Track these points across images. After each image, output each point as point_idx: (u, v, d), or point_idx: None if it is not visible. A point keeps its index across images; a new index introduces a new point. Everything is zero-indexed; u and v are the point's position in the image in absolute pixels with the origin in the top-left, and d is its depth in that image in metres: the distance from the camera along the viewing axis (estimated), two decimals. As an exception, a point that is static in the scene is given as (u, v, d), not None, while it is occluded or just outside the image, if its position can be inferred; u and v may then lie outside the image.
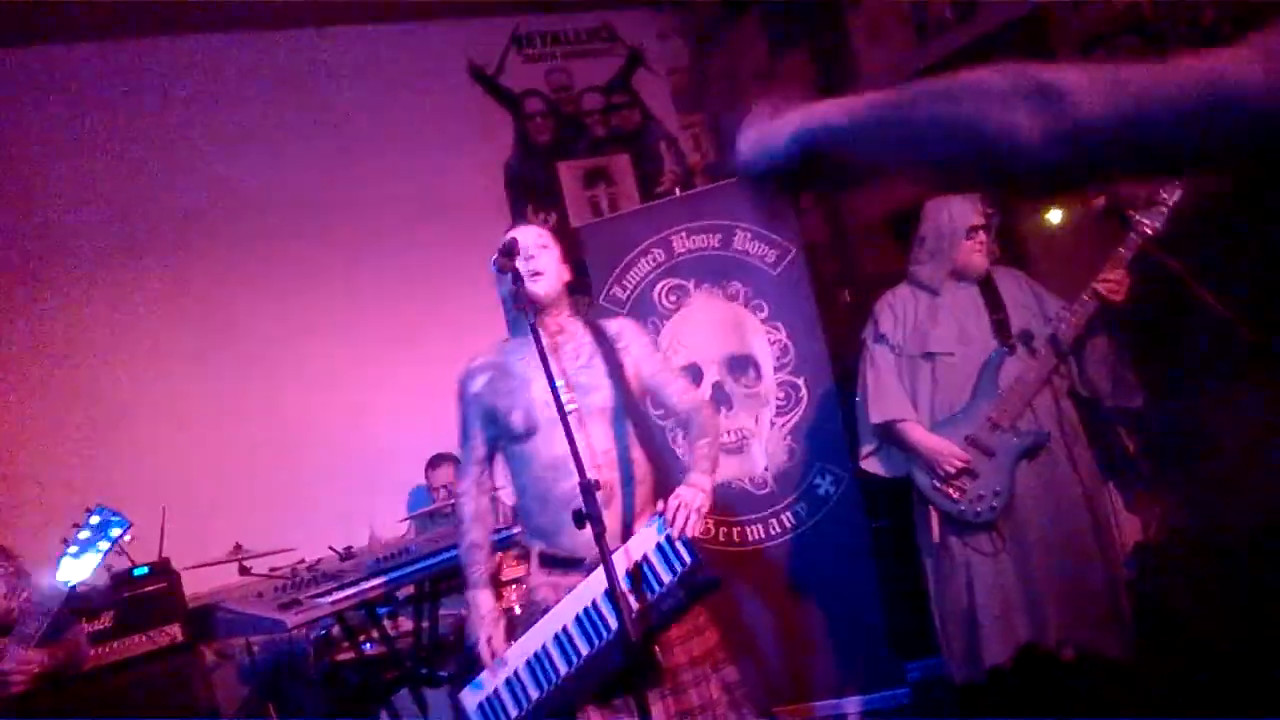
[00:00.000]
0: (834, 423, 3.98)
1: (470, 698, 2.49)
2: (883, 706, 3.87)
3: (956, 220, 3.11)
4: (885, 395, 3.18)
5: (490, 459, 2.66)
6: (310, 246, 5.07)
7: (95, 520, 2.20)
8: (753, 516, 4.03)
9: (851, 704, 3.90)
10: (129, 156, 4.78)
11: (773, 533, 4.01)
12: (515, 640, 2.49)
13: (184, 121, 4.93)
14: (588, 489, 2.22)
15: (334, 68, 5.29)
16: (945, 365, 3.12)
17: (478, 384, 2.61)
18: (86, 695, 3.42)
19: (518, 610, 2.76)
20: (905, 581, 4.01)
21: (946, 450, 3.04)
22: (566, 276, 2.62)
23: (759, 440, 4.04)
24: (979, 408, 3.05)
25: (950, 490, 3.05)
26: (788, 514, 4.00)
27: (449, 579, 4.00)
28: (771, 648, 3.98)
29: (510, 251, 2.45)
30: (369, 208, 5.21)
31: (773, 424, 4.03)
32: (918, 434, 3.10)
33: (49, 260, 4.58)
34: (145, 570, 3.80)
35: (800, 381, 4.01)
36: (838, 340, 4.15)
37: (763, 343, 4.05)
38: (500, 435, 2.60)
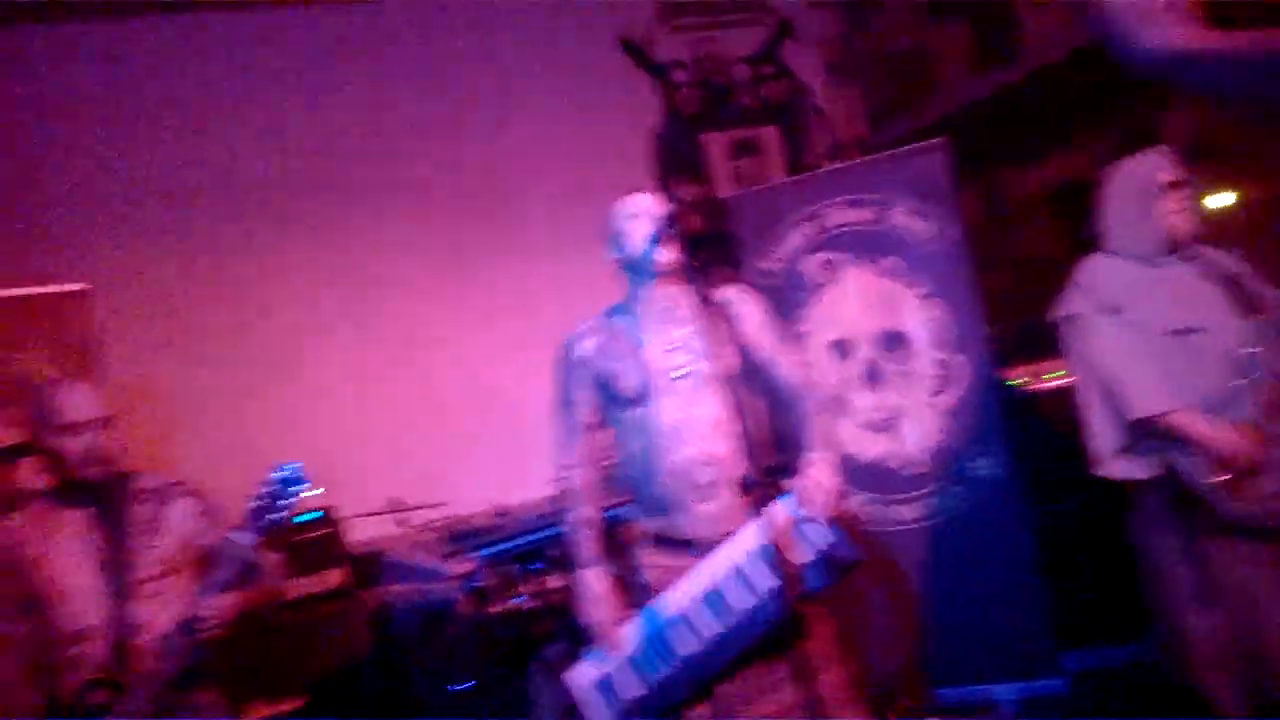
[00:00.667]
0: (993, 403, 3.89)
1: (582, 677, 2.43)
2: (1039, 695, 3.78)
3: (1152, 176, 2.81)
4: (1144, 382, 2.69)
5: (596, 428, 2.58)
6: (462, 218, 5.20)
7: (279, 475, 2.28)
8: (903, 496, 3.98)
9: (1004, 691, 3.82)
10: (286, 130, 4.96)
11: (924, 514, 3.95)
12: (631, 619, 2.43)
13: (331, 87, 5.09)
14: (699, 464, 2.21)
15: (488, 40, 5.39)
16: (1194, 343, 2.69)
17: (587, 347, 2.55)
18: (260, 631, 3.64)
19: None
20: (1066, 570, 3.93)
21: (1238, 444, 2.58)
22: (682, 246, 2.52)
23: (912, 419, 3.98)
24: (1240, 392, 2.64)
25: (1234, 490, 2.61)
26: (940, 496, 3.92)
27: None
28: (932, 631, 3.90)
29: (673, 220, 2.45)
30: (518, 178, 5.32)
31: (927, 403, 3.96)
32: (1199, 426, 2.61)
33: (238, 230, 4.81)
34: (310, 517, 3.98)
35: (959, 360, 3.93)
36: (996, 319, 4.05)
37: (917, 319, 3.98)
38: (609, 402, 2.53)
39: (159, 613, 2.27)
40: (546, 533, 3.54)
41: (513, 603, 3.84)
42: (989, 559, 3.85)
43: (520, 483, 4.38)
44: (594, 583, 2.45)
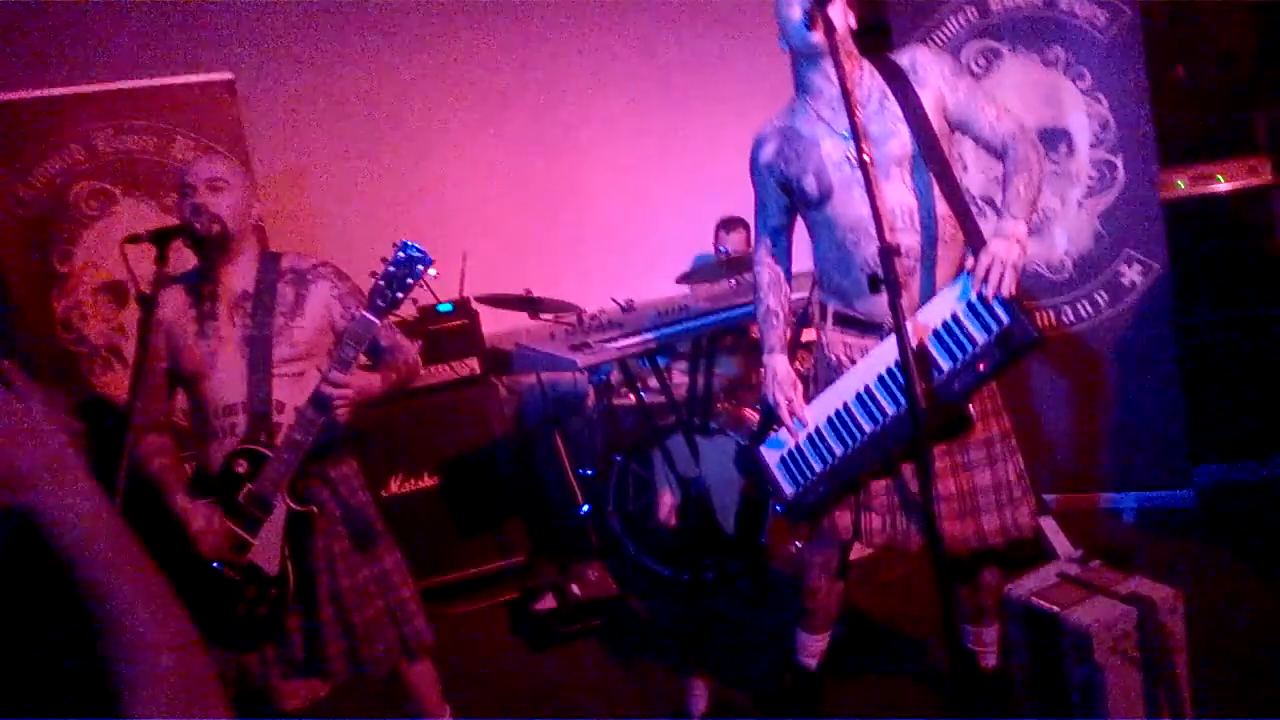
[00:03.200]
0: (1151, 208, 3.64)
1: (771, 453, 2.53)
2: (1164, 506, 3.71)
3: None
4: None
5: (787, 228, 2.57)
6: (604, 28, 5.03)
7: (403, 255, 2.29)
8: (1046, 302, 3.82)
9: (1131, 500, 3.75)
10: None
11: (1066, 320, 3.79)
12: (813, 399, 2.48)
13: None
14: (886, 253, 2.11)
15: None
16: None
17: (767, 153, 2.48)
18: (398, 411, 3.84)
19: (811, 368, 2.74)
20: (1207, 384, 3.76)
21: None
22: (853, 23, 2.37)
23: (1061, 222, 3.76)
24: None
25: None
26: (1085, 301, 3.75)
27: (725, 338, 4.10)
28: (1056, 436, 3.85)
29: (823, 1, 2.27)
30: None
31: (1080, 205, 3.72)
32: None
33: (364, 24, 4.75)
34: (449, 307, 4.09)
35: (1118, 161, 3.65)
36: (1165, 118, 3.72)
37: (1080, 116, 3.69)
38: (798, 202, 2.48)
39: (299, 391, 2.37)
40: (673, 329, 3.55)
41: (638, 395, 3.92)
42: (1129, 369, 3.72)
43: (649, 280, 4.38)
44: (778, 366, 2.53)
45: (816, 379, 2.55)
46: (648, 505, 3.76)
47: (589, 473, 3.99)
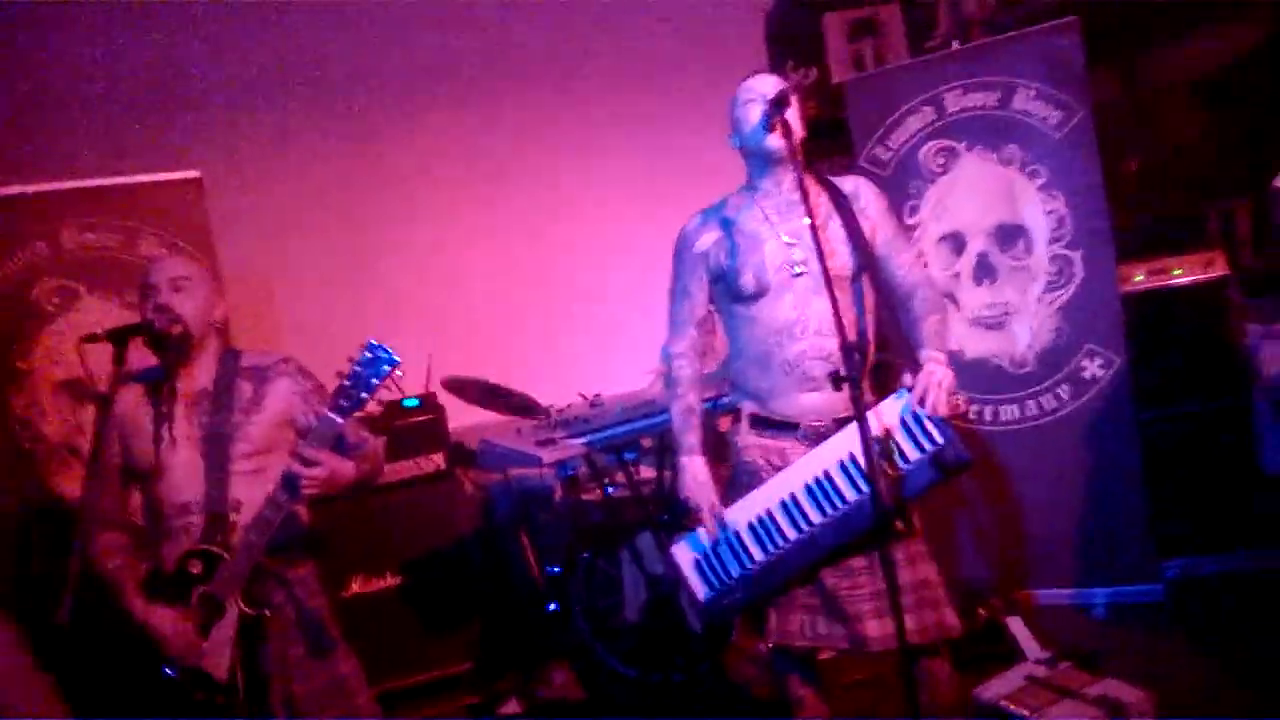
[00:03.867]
0: (1110, 302, 3.70)
1: (685, 554, 2.51)
2: (1133, 601, 3.69)
3: None
4: None
5: (706, 320, 2.59)
6: (559, 105, 5.12)
7: (369, 355, 2.27)
8: (1008, 396, 3.85)
9: (1100, 595, 3.74)
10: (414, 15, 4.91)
11: (1029, 414, 3.82)
12: (732, 502, 2.48)
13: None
14: (849, 350, 2.16)
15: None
16: None
17: (703, 242, 2.52)
18: (359, 509, 3.78)
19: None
20: (1171, 477, 3.77)
21: None
22: (802, 131, 2.47)
23: (1023, 317, 3.81)
24: None
25: None
26: (1048, 396, 3.79)
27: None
28: (1016, 531, 3.84)
29: (783, 103, 2.34)
30: (629, 57, 5.18)
31: (1040, 300, 3.78)
32: None
33: (326, 105, 4.81)
34: (415, 402, 4.06)
35: (1076, 256, 3.72)
36: (1121, 213, 3.82)
37: (1037, 212, 3.77)
38: (723, 296, 2.52)
39: (257, 489, 2.33)
40: (639, 424, 3.55)
41: (604, 491, 3.88)
42: (1092, 462, 3.74)
43: (615, 374, 4.38)
44: (696, 468, 2.51)
45: (734, 482, 2.55)
46: (615, 603, 3.70)
47: (556, 570, 3.92)
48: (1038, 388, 3.80)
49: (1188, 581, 3.77)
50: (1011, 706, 2.43)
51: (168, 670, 2.26)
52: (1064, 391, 3.77)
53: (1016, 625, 3.38)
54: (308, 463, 2.23)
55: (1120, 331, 3.69)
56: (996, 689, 2.51)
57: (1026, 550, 3.85)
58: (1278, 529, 3.63)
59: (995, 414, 3.87)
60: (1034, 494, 3.83)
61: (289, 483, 2.24)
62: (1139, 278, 3.92)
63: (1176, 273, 3.90)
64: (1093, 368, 3.72)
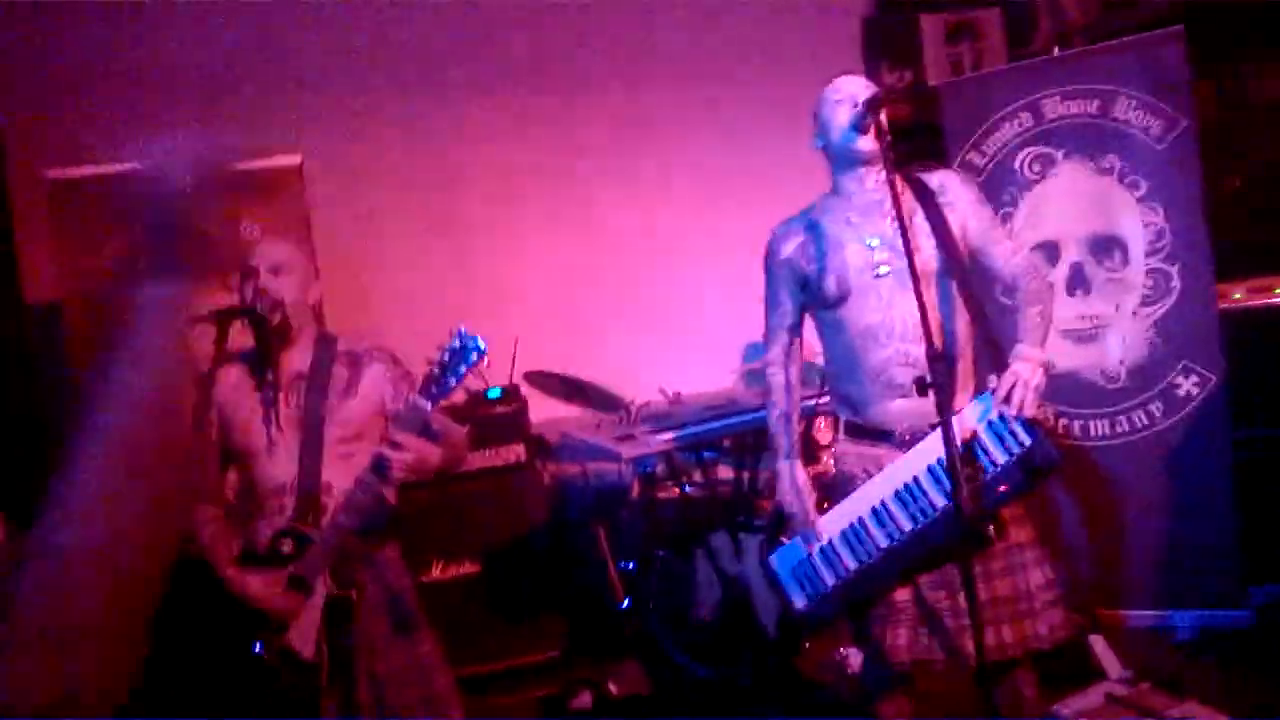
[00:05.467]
0: (1207, 319, 3.59)
1: (782, 563, 2.51)
2: (1219, 625, 3.58)
3: None
4: None
5: (799, 327, 2.58)
6: (663, 103, 5.13)
7: (458, 344, 2.31)
8: (1098, 411, 3.76)
9: (1185, 618, 3.63)
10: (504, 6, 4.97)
11: (1119, 430, 3.73)
12: (829, 510, 2.47)
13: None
14: (934, 358, 2.13)
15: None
16: None
17: (788, 249, 2.50)
18: (441, 496, 3.85)
19: (833, 473, 2.73)
20: (1264, 500, 3.66)
21: None
22: (889, 137, 2.45)
23: (1116, 330, 3.72)
24: None
25: None
26: (1140, 412, 3.69)
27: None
28: (1102, 549, 3.76)
29: (876, 107, 2.32)
30: (717, 54, 5.18)
31: (1135, 313, 3.69)
32: None
33: (423, 95, 4.88)
34: (498, 392, 4.12)
35: (1174, 270, 3.62)
36: (1222, 229, 3.71)
37: (1134, 224, 3.68)
38: (811, 301, 2.51)
39: (347, 471, 2.39)
40: (719, 423, 3.56)
41: (681, 489, 3.90)
42: (1183, 482, 3.64)
43: (697, 373, 4.39)
44: (794, 474, 2.50)
45: (833, 489, 2.54)
46: (688, 602, 3.71)
47: (630, 566, 3.95)
48: (1130, 403, 3.71)
49: (1277, 608, 3.65)
50: (1091, 725, 2.38)
51: (256, 646, 2.33)
52: (1156, 408, 3.67)
53: (1099, 643, 3.31)
54: (397, 447, 2.28)
55: (1217, 349, 3.59)
56: (1076, 706, 2.47)
57: (1112, 569, 3.76)
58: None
59: (1085, 429, 3.79)
60: (1121, 512, 3.74)
61: (378, 465, 2.29)
62: (1238, 295, 3.81)
63: (1278, 292, 3.78)
64: (1187, 385, 3.61)
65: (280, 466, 2.41)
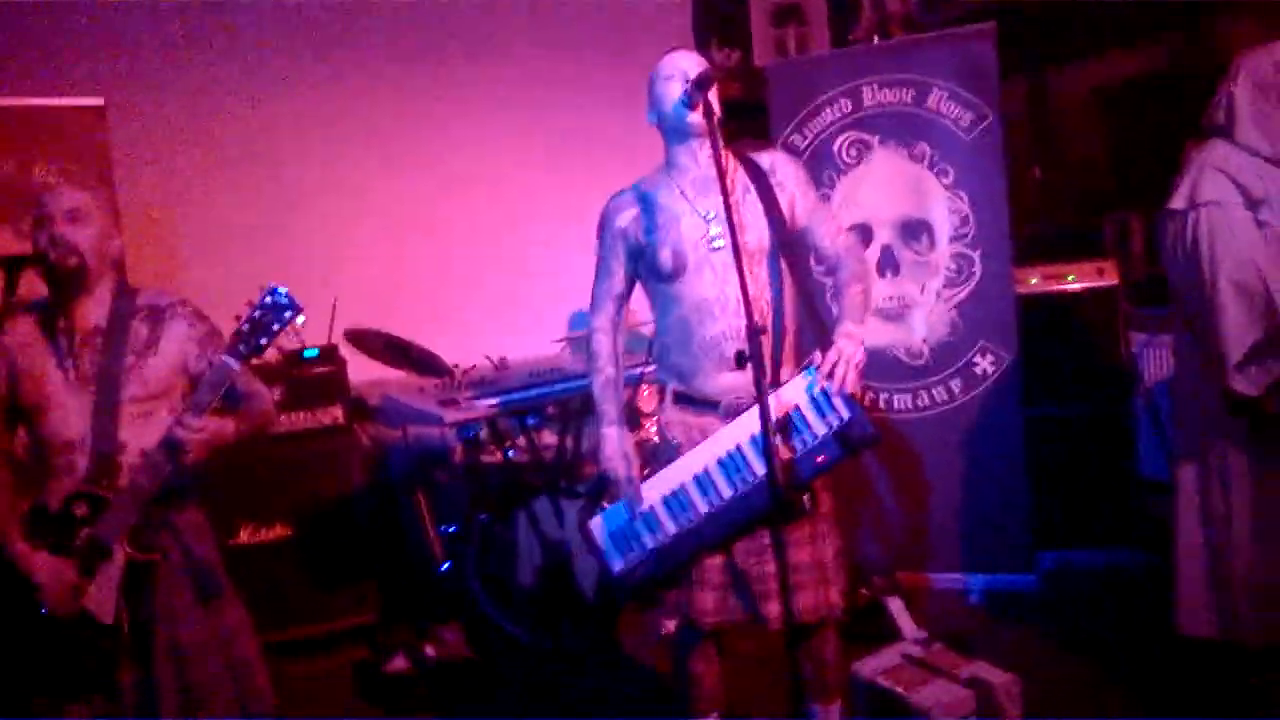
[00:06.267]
0: (1005, 302, 3.85)
1: (600, 527, 2.53)
2: (1008, 589, 3.86)
3: None
4: None
5: (626, 297, 2.61)
6: (483, 61, 5.06)
7: (270, 300, 2.22)
8: (902, 386, 3.98)
9: (978, 581, 3.90)
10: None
11: (922, 404, 3.96)
12: (651, 475, 2.50)
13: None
14: (754, 332, 2.18)
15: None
16: None
17: (622, 220, 2.52)
18: (251, 458, 3.71)
19: (656, 440, 2.78)
20: (1051, 472, 3.96)
21: None
22: (720, 114, 2.45)
23: (921, 310, 3.94)
24: None
25: None
26: (941, 388, 3.93)
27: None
28: (901, 516, 3.99)
29: (705, 84, 2.35)
30: (548, 23, 5.15)
31: (939, 295, 3.91)
32: None
33: (242, 51, 4.66)
34: (315, 353, 3.98)
35: (975, 255, 3.86)
36: (1022, 218, 3.97)
37: (942, 210, 3.89)
38: (645, 274, 2.54)
39: (146, 432, 2.27)
40: (544, 389, 3.56)
41: (505, 454, 3.89)
42: (979, 454, 3.89)
43: (522, 340, 4.37)
44: (618, 439, 2.51)
45: (656, 455, 2.59)
46: (510, 567, 3.72)
47: (451, 529, 3.92)
48: (932, 379, 3.94)
49: (1063, 573, 3.97)
50: (886, 682, 2.53)
51: (44, 609, 2.20)
52: (955, 385, 3.91)
53: (895, 605, 3.50)
54: (190, 428, 2.19)
55: (1013, 330, 3.84)
56: (873, 665, 2.61)
57: (916, 534, 3.99)
58: (1151, 529, 3.82)
59: (890, 402, 4.00)
60: (923, 481, 3.97)
61: (170, 445, 2.19)
62: (1034, 281, 4.08)
63: (1070, 278, 4.08)
64: (984, 364, 3.86)
65: (72, 423, 2.26)
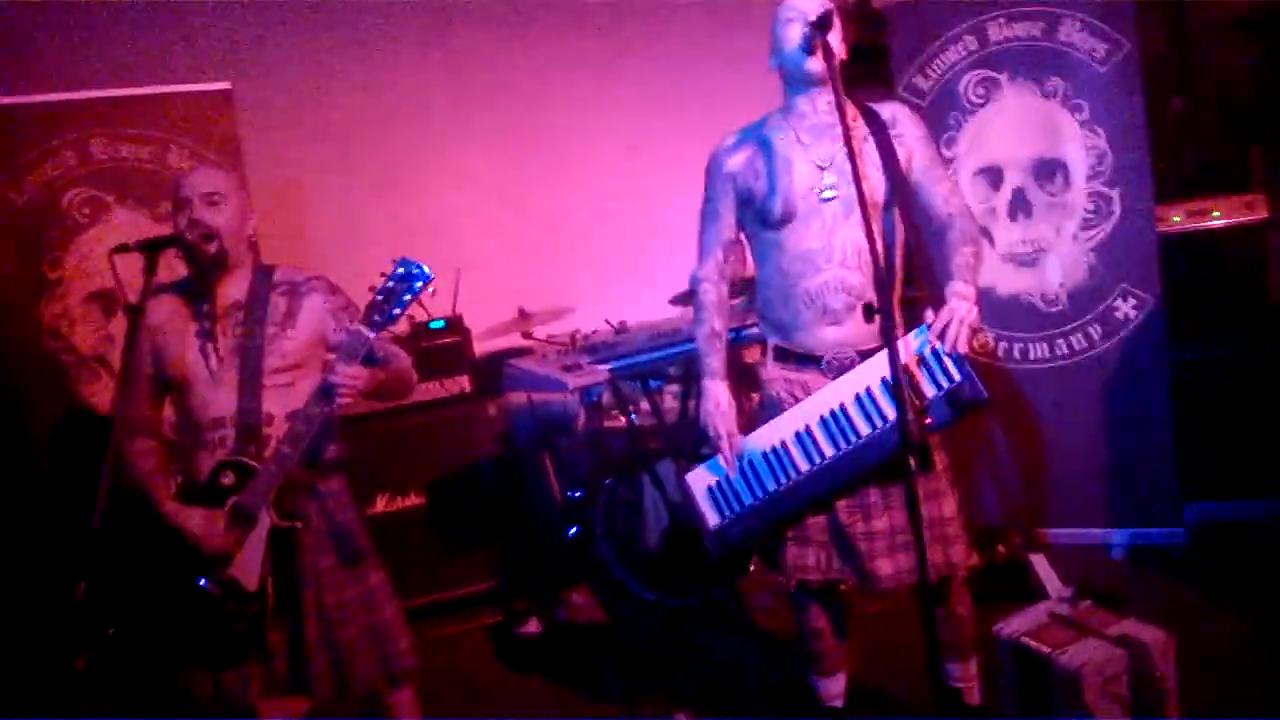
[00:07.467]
0: (1146, 242, 3.64)
1: (699, 481, 2.51)
2: (1153, 543, 3.69)
3: None
4: None
5: (735, 244, 2.54)
6: (607, 30, 5.04)
7: (401, 271, 2.27)
8: (1038, 334, 3.81)
9: (1122, 536, 3.74)
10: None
11: (1059, 353, 3.78)
12: (753, 431, 2.47)
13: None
14: (882, 283, 2.11)
15: None
16: None
17: (734, 161, 2.45)
18: (385, 429, 3.83)
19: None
20: (1198, 420, 3.75)
21: None
22: (844, 55, 2.39)
23: (1056, 254, 3.76)
24: None
25: None
26: (1079, 335, 3.75)
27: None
28: (1041, 469, 3.84)
29: (825, 25, 2.27)
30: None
31: (1075, 237, 3.72)
32: None
33: (359, 35, 4.73)
34: (441, 324, 4.06)
35: (1114, 194, 3.65)
36: (1162, 153, 3.74)
37: (1077, 148, 3.69)
38: (752, 220, 2.46)
39: (288, 402, 2.34)
40: (664, 351, 3.54)
41: (628, 418, 3.89)
42: (1121, 403, 3.71)
43: (644, 303, 4.35)
44: (718, 393, 2.49)
45: (758, 413, 2.55)
46: (636, 530, 3.73)
47: (577, 495, 3.96)
48: (1069, 326, 3.76)
49: (1211, 526, 3.77)
50: (1033, 643, 2.43)
51: (201, 580, 2.29)
52: (1095, 331, 3.73)
53: (1040, 562, 3.39)
54: (341, 372, 2.24)
55: (1155, 272, 3.64)
56: (1017, 624, 2.51)
57: (1051, 489, 3.84)
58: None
59: (1025, 352, 3.84)
60: (1060, 433, 3.81)
61: (325, 391, 2.25)
62: (1177, 218, 3.86)
63: (1215, 215, 3.84)
64: (1125, 308, 3.67)
65: (219, 398, 2.35)
